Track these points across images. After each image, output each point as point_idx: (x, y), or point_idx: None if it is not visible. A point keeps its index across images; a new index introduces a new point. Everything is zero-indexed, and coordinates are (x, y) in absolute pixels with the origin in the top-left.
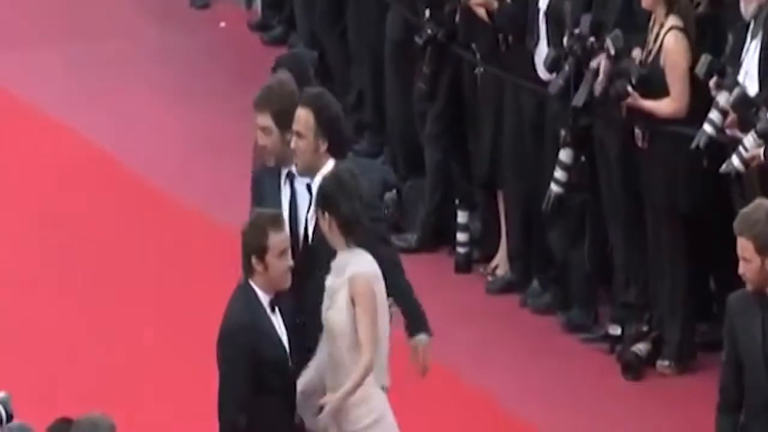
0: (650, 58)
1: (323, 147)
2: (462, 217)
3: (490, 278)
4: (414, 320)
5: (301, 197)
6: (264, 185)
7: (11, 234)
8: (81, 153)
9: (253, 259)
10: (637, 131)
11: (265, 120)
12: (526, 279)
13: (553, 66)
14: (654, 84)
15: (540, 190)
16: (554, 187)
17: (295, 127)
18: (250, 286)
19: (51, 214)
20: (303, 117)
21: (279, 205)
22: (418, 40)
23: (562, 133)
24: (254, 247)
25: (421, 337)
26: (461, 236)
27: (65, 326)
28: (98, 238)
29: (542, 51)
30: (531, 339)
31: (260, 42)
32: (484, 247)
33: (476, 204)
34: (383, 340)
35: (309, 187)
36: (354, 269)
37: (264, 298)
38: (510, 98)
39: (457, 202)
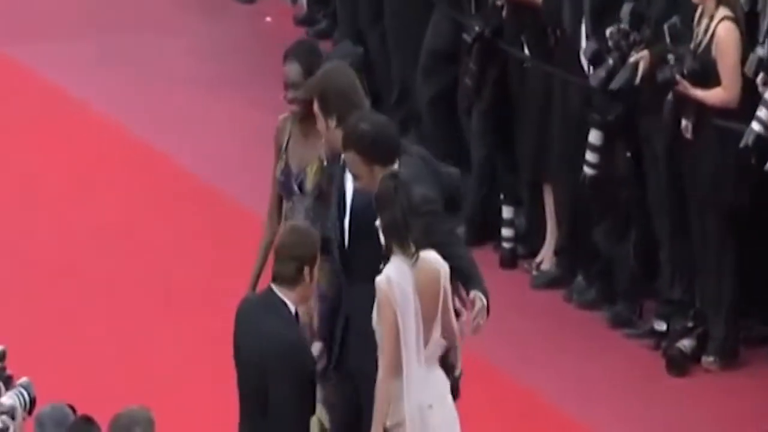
0: (700, 50)
1: (332, 124)
2: (507, 212)
3: (534, 273)
4: (471, 278)
5: (349, 185)
6: (334, 175)
7: (56, 229)
8: (124, 146)
9: (306, 270)
10: (684, 122)
11: (315, 106)
12: (572, 274)
13: (595, 59)
14: (704, 75)
15: (583, 184)
16: (587, 170)
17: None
18: (277, 296)
19: (96, 209)
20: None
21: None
22: (467, 38)
23: (594, 115)
24: (309, 257)
25: (479, 293)
26: (506, 232)
27: (110, 324)
28: (141, 230)
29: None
30: (575, 334)
31: (306, 37)
32: (528, 242)
33: (521, 199)
34: (411, 347)
35: (344, 162)
36: (379, 276)
37: (292, 308)
38: (558, 93)
39: (502, 197)
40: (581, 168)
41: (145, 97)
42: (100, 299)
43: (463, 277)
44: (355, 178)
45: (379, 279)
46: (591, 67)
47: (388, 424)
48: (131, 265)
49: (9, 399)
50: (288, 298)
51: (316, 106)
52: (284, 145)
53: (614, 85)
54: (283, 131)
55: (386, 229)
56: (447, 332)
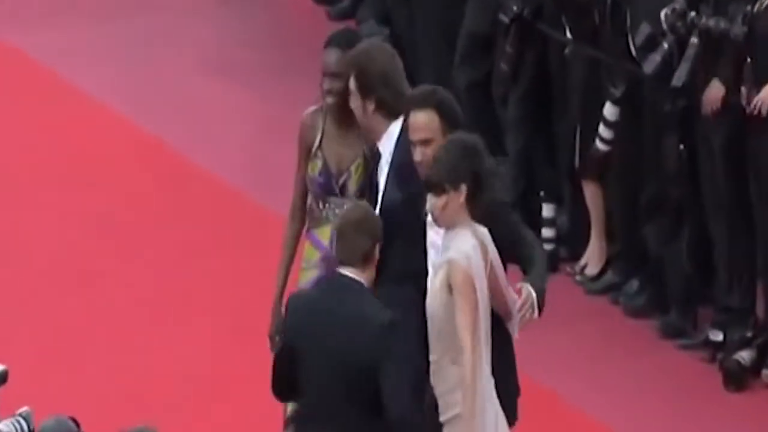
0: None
1: (370, 107)
2: (547, 210)
3: (578, 278)
4: (533, 271)
5: (383, 171)
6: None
7: (61, 224)
8: (129, 139)
9: (377, 246)
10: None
11: (352, 84)
12: (625, 279)
13: (648, 43)
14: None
15: (639, 181)
16: (600, 145)
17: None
18: (351, 278)
19: (101, 202)
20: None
21: (371, 181)
22: (504, 19)
23: (612, 89)
24: (378, 233)
25: (527, 285)
26: (547, 232)
27: (114, 322)
28: (150, 226)
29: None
30: (624, 344)
31: (326, 16)
32: (571, 243)
33: (563, 196)
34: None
35: (377, 150)
36: (453, 254)
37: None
38: (602, 80)
39: (541, 194)
40: (631, 163)
41: (152, 87)
42: (100, 297)
43: (526, 266)
44: (424, 143)
45: (457, 257)
46: (646, 52)
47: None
48: (135, 264)
49: (5, 427)
50: (361, 278)
51: (353, 85)
52: (317, 142)
53: (677, 81)
54: (313, 128)
55: (468, 180)
56: (500, 307)
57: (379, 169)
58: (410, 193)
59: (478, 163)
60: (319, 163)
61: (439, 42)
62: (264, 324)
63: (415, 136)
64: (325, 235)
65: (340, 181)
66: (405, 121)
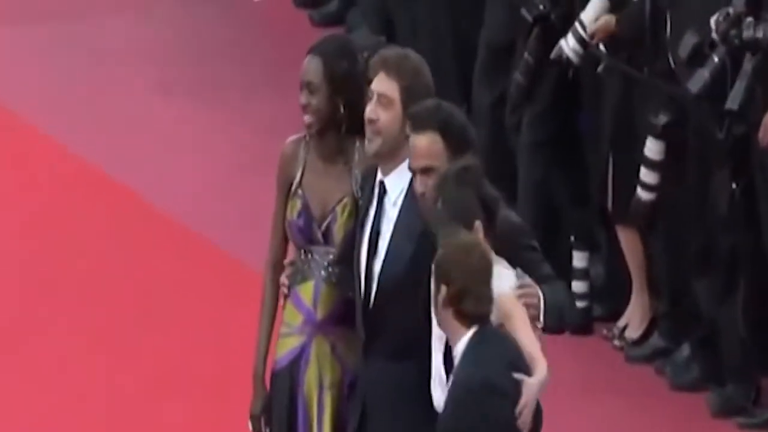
0: None
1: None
2: (579, 259)
3: (617, 342)
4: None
5: (388, 216)
6: (363, 185)
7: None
8: (68, 170)
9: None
10: None
11: (394, 95)
12: (674, 344)
13: (694, 56)
14: None
15: (685, 226)
16: (643, 194)
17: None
18: None
19: (34, 247)
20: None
21: (365, 213)
22: (526, 15)
23: (653, 119)
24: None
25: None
26: (578, 286)
27: (55, 354)
28: (98, 277)
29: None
30: (671, 422)
31: (309, 22)
32: (608, 300)
33: (598, 242)
34: None
35: (382, 186)
36: (501, 290)
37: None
38: (640, 102)
39: (572, 239)
40: (673, 204)
41: (95, 108)
42: (42, 331)
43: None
44: (426, 172)
45: (507, 291)
46: (691, 67)
47: None
48: (84, 311)
49: None
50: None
51: (395, 94)
52: (297, 177)
53: (731, 103)
54: (293, 159)
55: (480, 213)
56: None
57: (379, 210)
58: (422, 247)
59: (482, 188)
60: (298, 203)
61: (449, 52)
62: (244, 395)
63: (414, 163)
64: (307, 292)
65: (324, 226)
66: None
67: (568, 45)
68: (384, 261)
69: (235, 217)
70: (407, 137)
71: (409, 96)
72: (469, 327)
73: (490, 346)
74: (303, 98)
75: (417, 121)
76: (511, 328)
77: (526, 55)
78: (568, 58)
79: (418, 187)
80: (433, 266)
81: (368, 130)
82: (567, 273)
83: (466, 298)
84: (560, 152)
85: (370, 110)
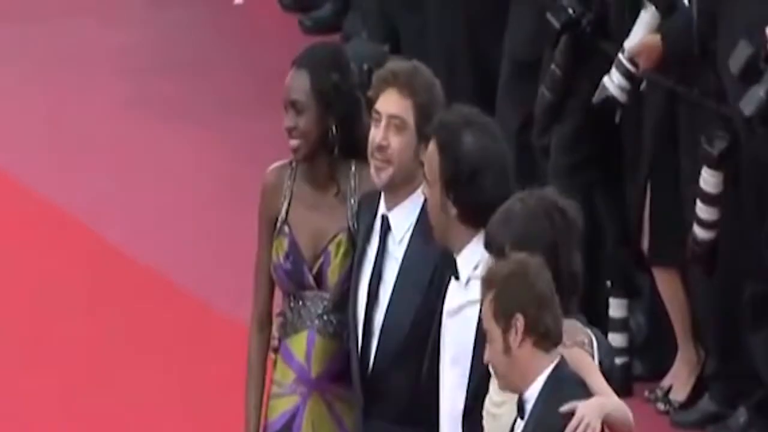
0: None
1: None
2: (617, 308)
3: (661, 405)
4: None
5: (391, 258)
6: (360, 218)
7: None
8: (14, 201)
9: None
10: None
11: (404, 109)
12: (728, 408)
13: (747, 71)
14: None
15: (738, 267)
16: (700, 232)
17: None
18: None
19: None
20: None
21: (363, 253)
22: (553, 21)
23: (708, 147)
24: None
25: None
26: (616, 338)
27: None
28: (57, 326)
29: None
30: None
31: (299, 29)
32: (651, 355)
33: (639, 288)
34: None
35: (385, 222)
36: (578, 345)
37: None
38: (686, 122)
39: (609, 284)
40: (727, 243)
41: (51, 128)
42: (17, 386)
43: None
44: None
45: (580, 350)
46: (743, 83)
47: None
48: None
49: None
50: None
51: (409, 117)
52: (283, 212)
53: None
54: (277, 190)
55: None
56: None
57: (381, 250)
58: (432, 296)
59: (559, 226)
60: (285, 243)
61: (464, 67)
62: None
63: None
64: (299, 346)
65: (315, 268)
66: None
67: (613, 82)
68: (387, 312)
69: (207, 256)
70: (422, 163)
71: (423, 116)
72: (549, 352)
73: (573, 385)
74: (288, 120)
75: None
76: (590, 381)
77: (552, 67)
78: (614, 99)
79: (377, 139)
80: (491, 300)
81: (377, 158)
82: (603, 323)
83: (546, 318)
84: (595, 180)
85: (380, 136)
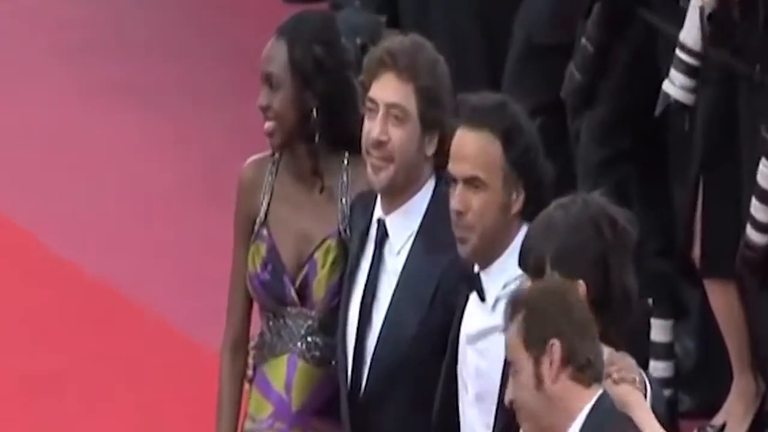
0: None
1: (431, 147)
2: (660, 331)
3: None
4: None
5: (388, 271)
6: (353, 222)
7: None
8: None
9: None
10: None
11: (405, 96)
12: None
13: None
14: None
15: None
16: (755, 236)
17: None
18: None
19: None
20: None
21: (356, 265)
22: None
23: (766, 134)
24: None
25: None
26: (659, 367)
27: None
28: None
29: None
30: None
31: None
32: (700, 386)
33: (686, 306)
34: None
35: (382, 227)
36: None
37: None
38: (745, 107)
39: (649, 301)
40: None
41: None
42: None
43: None
44: (469, 183)
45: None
46: None
47: None
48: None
49: None
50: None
51: (411, 105)
52: (262, 212)
53: None
54: (255, 187)
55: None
56: None
57: (376, 262)
58: (433, 316)
59: (609, 237)
60: (263, 249)
61: (475, 46)
62: None
63: (457, 167)
64: (278, 373)
65: (299, 279)
66: (441, 156)
67: (674, 84)
68: (380, 335)
69: (169, 268)
70: (427, 158)
71: (427, 102)
72: (590, 387)
73: (618, 421)
74: (262, 96)
75: (475, 114)
76: (629, 411)
77: (583, 41)
78: (680, 104)
79: (455, 204)
80: (520, 324)
81: (374, 156)
82: (645, 346)
83: (587, 346)
84: (636, 177)
85: (378, 130)
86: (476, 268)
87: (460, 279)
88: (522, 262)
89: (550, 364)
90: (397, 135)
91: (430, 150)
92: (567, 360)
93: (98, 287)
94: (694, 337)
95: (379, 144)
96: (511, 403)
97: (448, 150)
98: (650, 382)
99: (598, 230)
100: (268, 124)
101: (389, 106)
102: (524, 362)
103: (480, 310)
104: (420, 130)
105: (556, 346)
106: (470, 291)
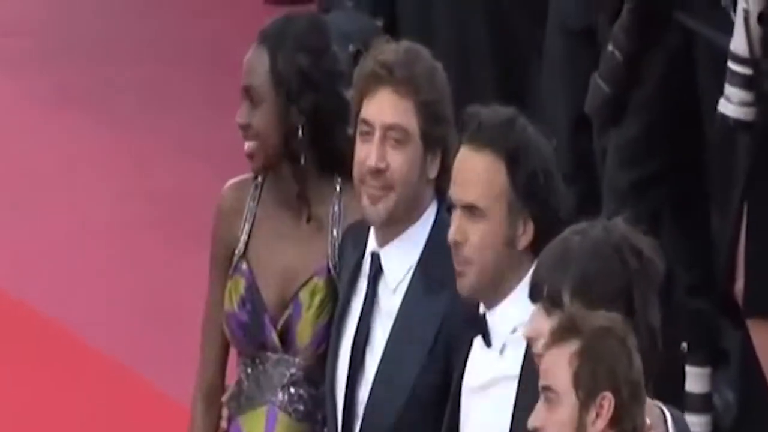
0: None
1: (433, 169)
2: (696, 380)
3: None
4: None
5: (383, 312)
6: (343, 257)
7: None
8: None
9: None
10: None
11: (404, 114)
12: None
13: None
14: None
15: None
16: None
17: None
18: None
19: None
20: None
21: (346, 305)
22: None
23: None
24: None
25: None
26: (694, 422)
27: None
28: None
29: None
30: None
31: None
32: None
33: (725, 351)
34: None
35: (376, 262)
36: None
37: None
38: None
39: (683, 346)
40: None
41: None
42: None
43: None
44: (468, 210)
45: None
46: None
47: None
48: None
49: None
50: None
51: (414, 123)
52: (241, 244)
53: None
54: (235, 215)
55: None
56: None
57: (370, 301)
58: (434, 362)
59: (634, 267)
60: (241, 284)
61: (482, 49)
62: None
63: (458, 192)
64: (255, 426)
65: (281, 321)
66: (442, 176)
67: (731, 101)
68: (374, 385)
69: (132, 308)
70: (429, 181)
71: (429, 118)
72: None
73: None
74: (240, 113)
75: (479, 132)
76: None
77: (610, 49)
78: (741, 123)
79: (451, 234)
80: (575, 355)
81: (372, 185)
82: (678, 398)
83: (633, 410)
84: (669, 203)
85: (376, 156)
86: (482, 309)
87: (464, 320)
88: (534, 294)
89: (596, 416)
90: (397, 160)
91: (433, 172)
92: (615, 423)
93: (47, 323)
94: (734, 388)
95: (378, 172)
96: (535, 430)
97: (450, 168)
98: (673, 416)
99: (621, 259)
100: (248, 145)
101: (387, 128)
102: (567, 398)
103: (486, 357)
104: (422, 151)
105: (608, 401)
106: (475, 334)
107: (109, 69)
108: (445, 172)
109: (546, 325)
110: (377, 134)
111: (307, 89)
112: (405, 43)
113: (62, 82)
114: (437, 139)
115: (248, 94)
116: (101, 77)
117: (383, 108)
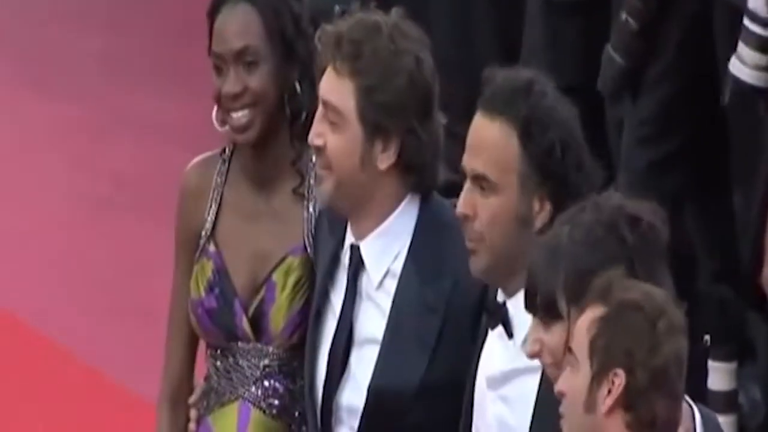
0: None
1: (385, 160)
2: (720, 375)
3: None
4: None
5: (367, 309)
6: (318, 241)
7: None
8: None
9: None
10: None
11: (340, 94)
12: None
13: None
14: None
15: None
16: None
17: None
18: None
19: None
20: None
21: (324, 298)
22: None
23: None
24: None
25: None
26: (720, 421)
27: None
28: None
29: None
30: None
31: None
32: None
33: (752, 345)
34: None
35: (356, 255)
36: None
37: None
38: None
39: (706, 338)
40: None
41: None
42: None
43: None
44: (476, 181)
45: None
46: None
47: None
48: None
49: None
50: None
51: (348, 106)
52: (208, 224)
53: None
54: (201, 193)
55: None
56: None
57: (351, 297)
58: (437, 368)
59: (633, 241)
60: (209, 268)
61: (483, 24)
62: None
63: (467, 162)
64: (226, 424)
65: (252, 306)
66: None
67: (745, 63)
68: (371, 388)
69: (90, 300)
70: (382, 172)
71: (371, 105)
72: None
73: None
74: (231, 83)
75: (493, 98)
76: None
77: (623, 16)
78: (752, 88)
79: (458, 206)
80: (594, 334)
81: (317, 163)
82: (700, 396)
83: (654, 401)
84: (690, 184)
85: (314, 131)
86: (500, 296)
87: (478, 308)
88: (528, 304)
89: (608, 392)
90: (332, 142)
91: (384, 163)
92: (628, 405)
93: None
94: (762, 385)
95: (317, 150)
96: (560, 393)
97: (421, 165)
98: (702, 414)
99: (617, 237)
100: (243, 114)
101: (325, 105)
102: (584, 365)
103: (504, 348)
104: (362, 139)
105: (620, 380)
106: (493, 325)
107: (69, 38)
108: (416, 167)
109: (547, 337)
110: (320, 109)
111: (300, 37)
112: (377, 15)
113: (17, 55)
114: (383, 128)
115: (241, 57)
116: (60, 48)
117: (325, 83)
